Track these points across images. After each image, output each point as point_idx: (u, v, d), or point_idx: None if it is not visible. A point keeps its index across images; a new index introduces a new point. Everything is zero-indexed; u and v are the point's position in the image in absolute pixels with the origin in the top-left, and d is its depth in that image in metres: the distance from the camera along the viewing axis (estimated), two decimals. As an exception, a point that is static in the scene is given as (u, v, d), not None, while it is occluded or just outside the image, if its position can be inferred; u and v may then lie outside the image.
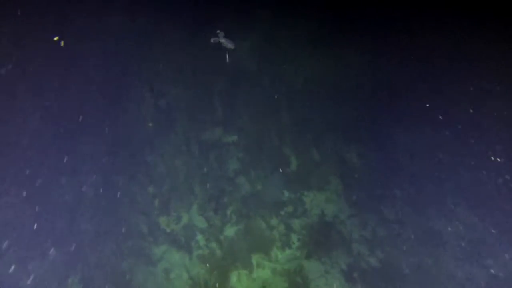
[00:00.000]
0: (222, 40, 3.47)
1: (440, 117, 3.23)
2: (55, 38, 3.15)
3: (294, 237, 2.72)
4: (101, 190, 2.74)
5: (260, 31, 3.53)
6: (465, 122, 3.21)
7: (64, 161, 2.80)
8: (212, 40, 3.49)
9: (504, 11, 3.81)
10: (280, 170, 2.98)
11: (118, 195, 2.74)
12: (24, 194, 2.65)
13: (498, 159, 3.05)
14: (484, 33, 3.70)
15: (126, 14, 3.48)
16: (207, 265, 2.60)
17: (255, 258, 2.65)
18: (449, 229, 2.77)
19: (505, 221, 2.79)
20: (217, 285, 2.55)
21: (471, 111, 3.27)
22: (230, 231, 2.72)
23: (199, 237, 2.68)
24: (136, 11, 3.50)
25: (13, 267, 2.43)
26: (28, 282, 2.41)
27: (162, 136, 3.02)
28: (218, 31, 3.49)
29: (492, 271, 2.63)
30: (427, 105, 3.28)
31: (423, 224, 2.79)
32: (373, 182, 2.98)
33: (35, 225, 2.57)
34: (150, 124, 3.03)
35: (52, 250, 2.51)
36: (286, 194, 2.90)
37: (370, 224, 2.79)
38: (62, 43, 3.06)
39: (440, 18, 3.78)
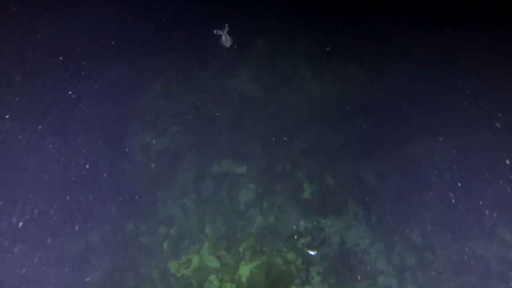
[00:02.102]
0: (224, 35, 3.40)
1: (460, 127, 2.98)
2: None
3: (313, 271, 2.52)
4: (109, 238, 2.67)
5: (261, 56, 3.44)
6: (490, 130, 2.94)
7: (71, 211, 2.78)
8: (215, 31, 3.43)
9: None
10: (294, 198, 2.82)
11: (125, 241, 2.66)
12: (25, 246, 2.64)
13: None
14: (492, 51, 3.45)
15: (126, 61, 3.49)
16: (223, 308, 2.46)
17: (273, 298, 2.48)
18: (493, 251, 2.47)
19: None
20: (235, 330, 2.40)
21: (498, 119, 2.99)
22: (244, 269, 2.56)
23: (213, 277, 2.54)
24: (135, 58, 3.51)
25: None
26: None
27: (167, 176, 2.94)
28: (226, 24, 3.44)
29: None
30: (444, 115, 3.04)
31: (460, 248, 2.51)
32: (396, 202, 2.75)
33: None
34: (153, 165, 2.97)
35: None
36: (302, 223, 2.72)
37: (396, 250, 2.54)
38: None
39: (449, 35, 3.56)
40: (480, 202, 2.68)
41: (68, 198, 2.78)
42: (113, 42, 3.51)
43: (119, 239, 2.65)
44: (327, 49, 3.45)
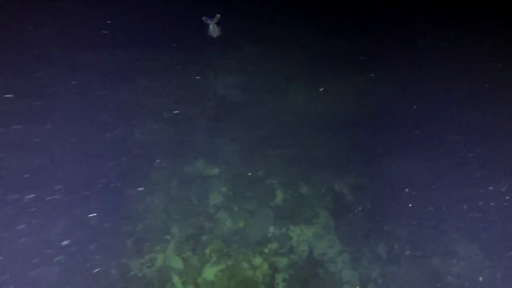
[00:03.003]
0: (212, 24, 3.37)
1: (434, 144, 3.05)
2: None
3: (278, 278, 2.48)
4: (70, 232, 2.56)
5: (246, 62, 3.46)
6: (463, 149, 3.02)
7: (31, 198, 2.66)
8: (203, 18, 3.40)
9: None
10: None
11: (89, 237, 2.56)
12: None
13: (503, 190, 2.82)
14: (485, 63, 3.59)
15: (109, 54, 3.44)
16: (183, 311, 2.38)
17: (236, 303, 2.41)
18: (452, 269, 2.50)
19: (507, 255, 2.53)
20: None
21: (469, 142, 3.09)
22: (209, 272, 2.49)
23: (176, 279, 2.46)
24: (118, 52, 3.46)
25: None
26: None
27: (138, 172, 2.87)
28: (217, 15, 3.41)
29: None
30: (418, 132, 3.11)
31: (422, 263, 2.54)
32: (366, 215, 2.76)
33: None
34: (124, 159, 2.89)
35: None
36: (271, 229, 2.69)
37: (362, 262, 2.54)
38: None
39: (429, 51, 3.69)
40: (444, 224, 2.72)
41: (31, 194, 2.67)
42: (96, 35, 3.46)
43: (80, 234, 2.55)
44: (310, 62, 3.50)
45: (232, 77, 3.36)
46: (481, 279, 2.44)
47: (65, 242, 2.49)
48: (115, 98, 3.15)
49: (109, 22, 3.53)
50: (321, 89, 3.17)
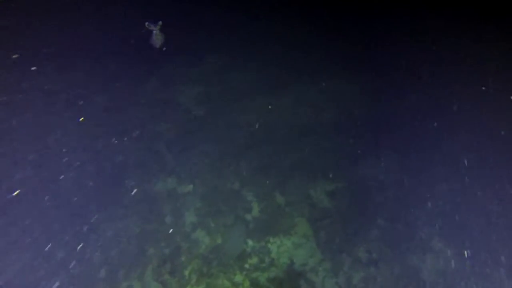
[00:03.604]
0: (155, 31, 3.22)
1: (410, 146, 3.12)
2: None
3: (261, 293, 2.45)
4: (32, 268, 2.40)
5: (209, 73, 3.40)
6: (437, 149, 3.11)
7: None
8: (146, 24, 3.25)
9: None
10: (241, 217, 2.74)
11: (53, 270, 2.40)
12: None
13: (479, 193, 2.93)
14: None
15: (66, 71, 3.28)
16: (165, 338, 2.29)
17: (219, 324, 2.35)
18: (427, 264, 2.56)
19: (479, 248, 2.62)
20: None
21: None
22: (189, 294, 2.42)
23: (155, 305, 2.37)
24: (75, 69, 3.31)
25: None
26: None
27: (109, 194, 2.75)
28: (160, 22, 3.27)
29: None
30: (395, 135, 3.17)
31: (399, 262, 2.58)
32: (345, 221, 2.77)
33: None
34: (91, 184, 2.75)
35: None
36: (250, 243, 2.64)
37: (344, 268, 2.55)
38: None
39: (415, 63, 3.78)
40: (418, 220, 2.78)
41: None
42: (49, 50, 3.28)
43: (45, 268, 2.39)
44: (274, 69, 3.49)
45: (195, 89, 3.29)
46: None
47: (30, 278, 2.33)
48: (75, 121, 3.00)
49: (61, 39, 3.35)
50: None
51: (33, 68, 3.05)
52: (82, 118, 2.70)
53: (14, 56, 3.08)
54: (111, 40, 3.31)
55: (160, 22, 3.26)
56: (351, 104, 3.34)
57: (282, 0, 3.86)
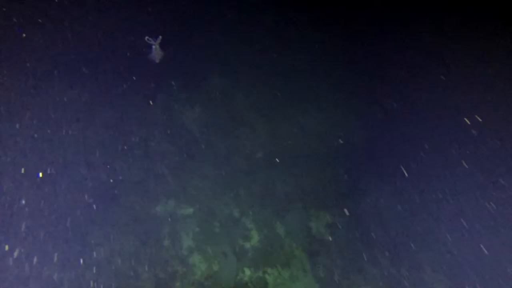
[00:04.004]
0: (154, 45, 3.21)
1: (412, 179, 3.12)
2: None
3: (256, 326, 2.36)
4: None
5: (214, 94, 3.43)
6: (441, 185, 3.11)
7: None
8: (146, 38, 3.25)
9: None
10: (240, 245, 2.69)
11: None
12: None
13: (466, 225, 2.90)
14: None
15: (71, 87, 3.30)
16: None
17: None
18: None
19: None
20: None
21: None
22: (182, 323, 2.33)
23: (145, 333, 2.27)
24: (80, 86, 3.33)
25: None
26: None
27: (105, 212, 2.70)
28: (160, 36, 3.28)
29: None
30: (398, 168, 3.18)
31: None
32: (345, 255, 2.73)
33: None
34: (91, 201, 2.71)
35: None
36: (247, 272, 2.58)
37: (341, 305, 2.48)
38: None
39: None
40: (419, 261, 2.74)
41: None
42: (55, 72, 3.30)
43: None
44: (278, 94, 3.52)
45: (198, 110, 3.31)
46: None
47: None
48: (74, 134, 2.99)
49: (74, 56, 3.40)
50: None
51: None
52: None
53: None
54: (109, 55, 3.35)
55: (160, 37, 3.31)
56: (354, 135, 3.36)
57: (291, 22, 3.95)
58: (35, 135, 2.88)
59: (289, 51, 3.88)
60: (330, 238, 2.81)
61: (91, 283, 2.37)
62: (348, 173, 3.15)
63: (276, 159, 3.15)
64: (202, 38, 3.66)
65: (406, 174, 3.15)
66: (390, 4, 4.27)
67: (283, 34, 3.99)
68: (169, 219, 2.75)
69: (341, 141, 3.30)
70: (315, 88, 3.66)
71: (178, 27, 3.61)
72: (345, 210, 2.94)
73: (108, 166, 2.90)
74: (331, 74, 3.81)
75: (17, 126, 2.90)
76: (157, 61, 3.24)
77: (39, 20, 3.45)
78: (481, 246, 2.75)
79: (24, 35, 3.31)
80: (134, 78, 3.28)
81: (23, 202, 2.57)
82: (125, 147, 3.02)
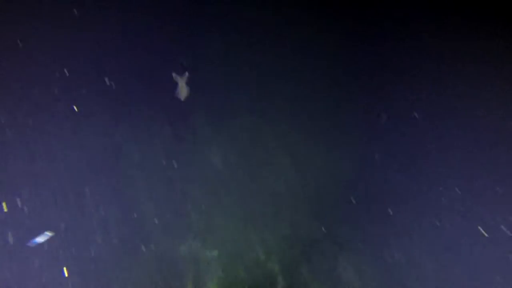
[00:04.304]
0: (181, 83, 3.15)
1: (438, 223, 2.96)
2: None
3: None
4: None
5: (242, 132, 3.34)
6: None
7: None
8: (173, 74, 3.19)
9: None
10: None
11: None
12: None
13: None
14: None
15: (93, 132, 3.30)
16: None
17: None
18: None
19: None
20: None
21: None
22: None
23: None
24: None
25: None
26: None
27: (129, 252, 2.68)
28: (187, 73, 3.22)
29: None
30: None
31: None
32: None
33: None
34: (116, 241, 2.70)
35: None
36: (273, 322, 2.51)
37: None
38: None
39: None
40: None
41: None
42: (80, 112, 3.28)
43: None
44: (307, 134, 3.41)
45: (225, 149, 3.23)
46: None
47: None
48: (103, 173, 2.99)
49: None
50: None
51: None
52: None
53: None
54: (135, 93, 3.32)
55: (187, 74, 3.22)
56: (384, 177, 3.22)
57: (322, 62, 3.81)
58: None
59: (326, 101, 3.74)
60: (358, 283, 2.71)
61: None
62: (376, 216, 3.02)
63: (303, 200, 3.04)
64: (231, 74, 3.58)
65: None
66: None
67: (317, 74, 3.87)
68: (193, 261, 2.71)
69: (367, 184, 3.17)
70: (347, 128, 3.51)
71: (204, 63, 3.54)
72: (373, 256, 2.82)
73: (133, 205, 2.89)
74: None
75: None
76: (183, 99, 3.18)
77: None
78: None
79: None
80: (157, 113, 3.24)
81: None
82: (149, 185, 3.00)
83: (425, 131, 3.37)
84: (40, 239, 2.61)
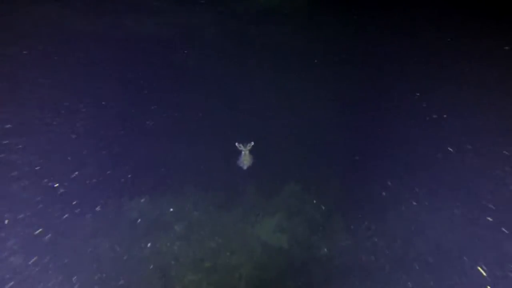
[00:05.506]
0: (244, 151, 3.19)
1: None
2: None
3: None
4: None
5: (290, 203, 3.27)
6: None
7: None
8: (236, 144, 3.24)
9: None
10: None
11: None
12: None
13: None
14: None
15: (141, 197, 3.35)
16: None
17: None
18: None
19: None
20: None
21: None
22: None
23: None
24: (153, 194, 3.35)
25: None
26: None
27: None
28: (252, 143, 3.24)
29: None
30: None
31: None
32: None
33: None
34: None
35: None
36: None
37: None
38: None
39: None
40: None
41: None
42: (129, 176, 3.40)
43: None
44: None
45: (274, 220, 3.14)
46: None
47: None
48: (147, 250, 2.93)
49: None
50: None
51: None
52: None
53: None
54: (195, 163, 3.41)
55: (252, 143, 3.34)
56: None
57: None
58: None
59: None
60: None
61: None
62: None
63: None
64: (284, 146, 3.67)
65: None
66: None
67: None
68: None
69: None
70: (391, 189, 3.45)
71: (259, 133, 3.62)
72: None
73: (178, 282, 2.76)
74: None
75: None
76: (245, 167, 3.29)
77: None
78: None
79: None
80: (217, 182, 3.29)
81: None
82: (197, 258, 2.90)
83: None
84: None
